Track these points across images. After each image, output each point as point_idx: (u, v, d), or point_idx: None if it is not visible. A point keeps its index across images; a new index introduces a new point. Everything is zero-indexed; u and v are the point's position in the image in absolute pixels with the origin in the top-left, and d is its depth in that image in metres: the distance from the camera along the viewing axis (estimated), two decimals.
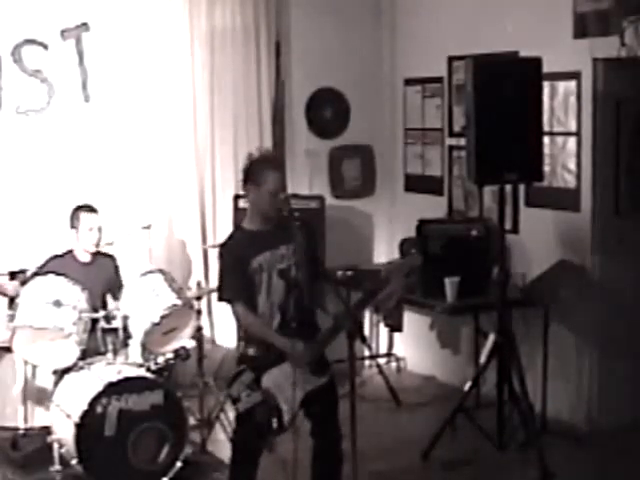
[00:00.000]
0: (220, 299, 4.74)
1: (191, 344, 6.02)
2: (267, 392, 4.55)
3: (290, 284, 4.61)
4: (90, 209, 6.08)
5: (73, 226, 6.03)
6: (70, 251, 6.08)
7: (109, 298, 6.12)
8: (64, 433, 5.46)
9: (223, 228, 7.15)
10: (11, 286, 5.98)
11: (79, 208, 6.07)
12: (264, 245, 4.63)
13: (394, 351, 8.00)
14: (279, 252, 4.63)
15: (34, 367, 6.00)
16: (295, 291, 4.62)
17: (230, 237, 4.80)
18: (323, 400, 4.67)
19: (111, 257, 6.22)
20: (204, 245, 7.30)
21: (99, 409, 5.31)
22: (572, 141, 6.36)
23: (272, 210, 4.60)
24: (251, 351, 4.66)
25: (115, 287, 6.06)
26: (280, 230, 4.65)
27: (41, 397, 6.07)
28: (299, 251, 4.62)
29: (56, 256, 6.06)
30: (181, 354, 5.91)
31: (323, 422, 4.72)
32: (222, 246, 4.77)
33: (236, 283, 4.62)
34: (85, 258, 6.06)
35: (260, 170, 4.62)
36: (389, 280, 4.62)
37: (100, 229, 6.05)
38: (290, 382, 4.53)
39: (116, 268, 6.21)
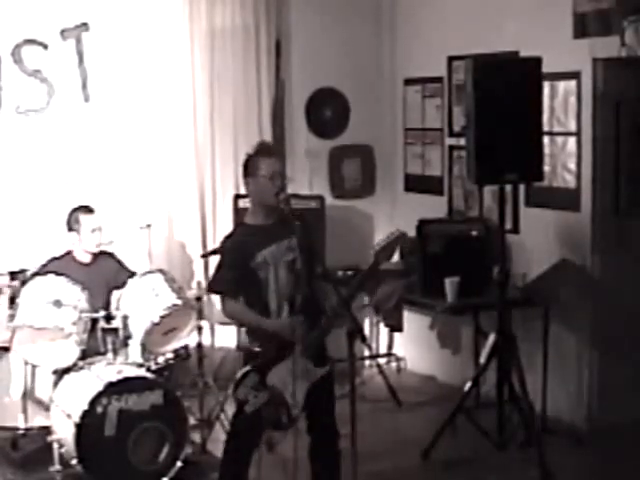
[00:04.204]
0: (209, 290, 4.77)
1: (194, 340, 6.03)
2: (273, 389, 4.57)
3: (297, 276, 4.64)
4: (88, 210, 6.06)
5: (72, 228, 6.02)
6: (69, 252, 6.07)
7: (115, 292, 6.10)
8: (64, 433, 5.46)
9: (223, 228, 7.13)
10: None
11: (77, 210, 6.06)
12: (268, 239, 4.64)
13: (394, 351, 8.00)
14: (284, 245, 4.65)
15: (34, 367, 6.00)
16: (302, 283, 4.65)
17: (233, 232, 4.82)
18: (321, 395, 4.68)
19: (110, 254, 6.20)
20: (204, 251, 7.27)
21: (99, 409, 5.31)
22: (572, 141, 6.36)
23: (271, 195, 4.61)
24: (256, 347, 4.67)
25: (121, 281, 6.01)
26: (282, 224, 4.68)
27: (41, 397, 6.07)
28: (301, 245, 4.64)
29: (55, 258, 6.05)
30: (181, 354, 5.91)
31: (321, 418, 4.73)
32: (224, 240, 4.78)
33: (231, 278, 4.64)
34: (85, 259, 6.05)
35: (254, 160, 4.69)
36: (378, 261, 4.62)
37: (100, 229, 6.05)
38: (294, 376, 4.55)
39: (119, 262, 6.19)
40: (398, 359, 7.93)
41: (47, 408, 5.79)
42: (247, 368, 4.61)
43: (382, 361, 7.75)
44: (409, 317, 7.56)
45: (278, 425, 4.62)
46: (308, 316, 4.63)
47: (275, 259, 4.64)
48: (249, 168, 4.69)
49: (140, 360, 5.76)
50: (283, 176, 4.73)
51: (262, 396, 4.56)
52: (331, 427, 4.75)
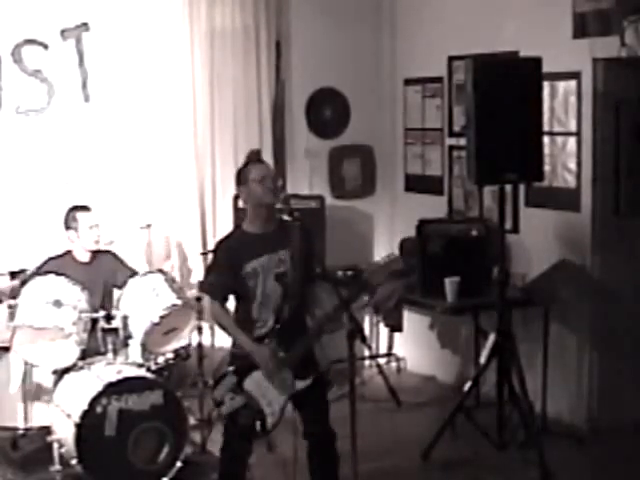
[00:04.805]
0: (201, 289, 4.80)
1: (194, 340, 6.03)
2: (249, 396, 4.57)
3: (286, 288, 4.63)
4: (85, 208, 6.07)
5: (69, 227, 6.02)
6: (68, 252, 6.07)
7: (115, 292, 6.09)
8: (64, 433, 5.46)
9: (223, 228, 7.13)
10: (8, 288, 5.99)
11: (74, 209, 6.06)
12: (262, 249, 4.64)
13: (394, 351, 8.00)
14: (277, 256, 4.65)
15: (34, 367, 5.99)
16: (291, 295, 4.64)
17: (229, 236, 4.81)
18: (310, 401, 4.68)
19: (109, 252, 6.19)
20: (204, 250, 7.27)
21: (99, 409, 5.31)
22: (572, 141, 6.36)
23: (262, 196, 4.61)
24: (238, 350, 4.68)
25: (122, 280, 5.99)
26: (279, 234, 4.67)
27: (41, 397, 6.07)
28: (296, 254, 4.63)
29: (53, 257, 6.05)
30: (181, 354, 5.91)
31: (313, 423, 4.72)
32: (219, 242, 4.80)
33: (219, 281, 4.67)
34: (84, 258, 6.06)
35: (244, 169, 4.72)
36: (370, 282, 4.64)
37: (98, 226, 6.05)
38: (272, 385, 4.55)
39: (120, 261, 6.18)
40: (398, 359, 7.93)
41: (47, 406, 5.79)
42: (227, 369, 4.63)
43: (382, 361, 7.75)
44: (409, 317, 7.56)
45: (251, 432, 4.61)
46: (293, 328, 4.63)
47: (265, 270, 4.63)
48: (240, 178, 4.72)
49: (140, 360, 5.76)
50: (276, 180, 4.74)
51: (238, 400, 4.57)
52: (325, 433, 4.73)
